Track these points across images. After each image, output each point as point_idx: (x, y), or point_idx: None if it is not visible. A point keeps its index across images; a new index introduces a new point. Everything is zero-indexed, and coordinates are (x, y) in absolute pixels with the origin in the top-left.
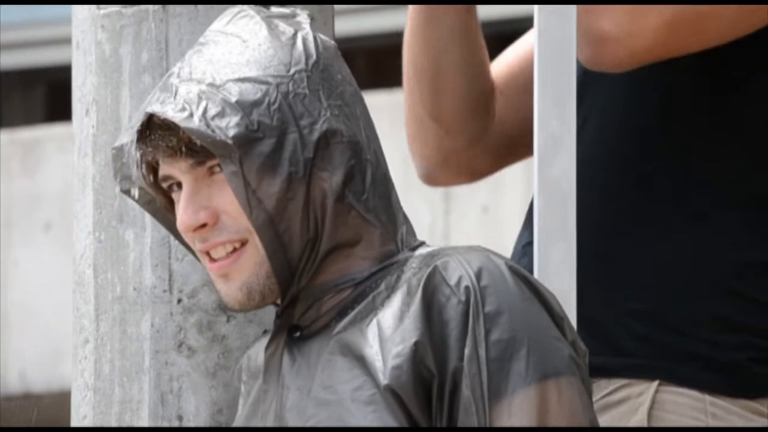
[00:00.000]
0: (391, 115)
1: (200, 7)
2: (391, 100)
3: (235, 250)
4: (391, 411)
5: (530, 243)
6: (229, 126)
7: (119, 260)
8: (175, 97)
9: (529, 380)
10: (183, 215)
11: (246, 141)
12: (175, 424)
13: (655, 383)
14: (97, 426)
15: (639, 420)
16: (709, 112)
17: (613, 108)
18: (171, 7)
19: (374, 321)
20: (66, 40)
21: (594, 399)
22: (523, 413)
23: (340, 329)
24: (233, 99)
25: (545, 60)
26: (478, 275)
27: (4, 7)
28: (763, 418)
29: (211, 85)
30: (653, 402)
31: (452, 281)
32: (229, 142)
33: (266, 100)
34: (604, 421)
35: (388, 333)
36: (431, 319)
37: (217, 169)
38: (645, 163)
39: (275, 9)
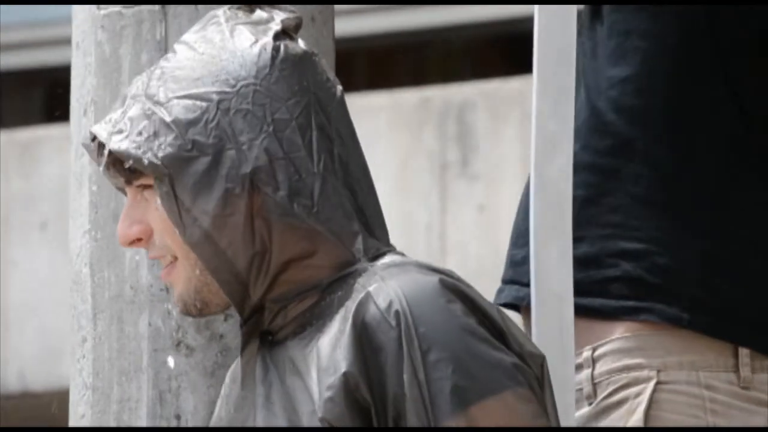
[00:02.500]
0: (389, 117)
1: (200, 7)
2: (390, 101)
3: (174, 259)
4: None
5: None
6: (161, 147)
7: (116, 259)
8: (121, 115)
9: (468, 399)
10: (119, 227)
11: (178, 161)
12: (174, 423)
13: (652, 383)
14: (95, 425)
15: (636, 420)
16: None
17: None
18: (171, 8)
19: (315, 347)
20: (66, 41)
21: (595, 400)
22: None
23: (292, 347)
24: (170, 119)
25: (544, 60)
26: (409, 297)
27: (3, 7)
28: (764, 407)
29: (156, 102)
30: (651, 402)
31: (383, 306)
32: (158, 163)
33: (204, 118)
34: (606, 422)
35: (324, 362)
36: (362, 347)
37: (143, 189)
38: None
39: (260, 11)
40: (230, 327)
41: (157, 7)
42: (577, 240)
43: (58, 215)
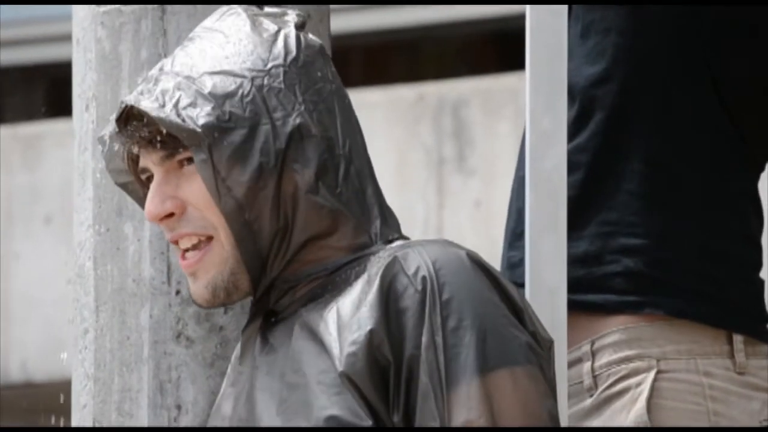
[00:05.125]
0: (385, 112)
1: (198, 5)
2: (386, 97)
3: (200, 242)
4: (354, 392)
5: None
6: (200, 115)
7: (119, 253)
8: (153, 89)
9: (485, 368)
10: (149, 204)
11: (216, 130)
12: (174, 413)
13: (653, 372)
14: (97, 415)
15: (639, 408)
16: None
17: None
18: (169, 6)
19: (335, 308)
20: (66, 38)
21: (596, 392)
22: (478, 400)
23: (304, 313)
24: (206, 90)
25: (537, 59)
26: (436, 265)
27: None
28: (762, 392)
29: (188, 77)
30: (652, 390)
31: (410, 271)
32: (198, 130)
33: (240, 92)
34: (607, 413)
35: (345, 320)
36: (388, 308)
37: (186, 162)
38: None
39: (267, 8)
40: (229, 319)
41: (156, 5)
42: (576, 239)
43: (62, 209)
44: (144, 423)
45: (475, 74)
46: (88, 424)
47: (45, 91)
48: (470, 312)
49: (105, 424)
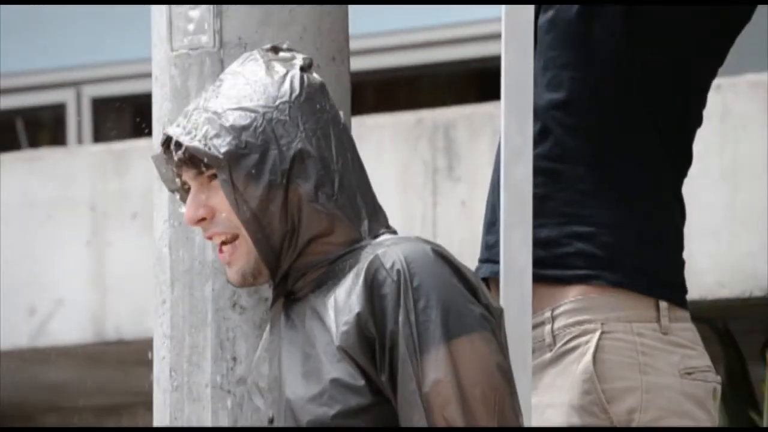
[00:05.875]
0: (391, 133)
1: (246, 53)
2: (392, 120)
3: (228, 240)
4: (350, 362)
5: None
6: (222, 145)
7: (188, 241)
8: (187, 123)
9: (449, 336)
10: (187, 211)
11: (234, 156)
12: (231, 363)
13: (598, 333)
14: (173, 365)
15: (587, 361)
16: None
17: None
18: (226, 50)
19: (333, 296)
20: (148, 75)
21: (555, 348)
22: (445, 362)
23: (312, 298)
24: (228, 124)
25: (509, 91)
26: (408, 259)
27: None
28: (681, 348)
29: (214, 113)
30: (597, 347)
31: (387, 265)
32: (221, 156)
33: (254, 125)
34: (563, 364)
35: (340, 306)
36: (372, 295)
37: (214, 177)
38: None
39: (282, 53)
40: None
41: (214, 50)
42: (540, 227)
43: (145, 208)
44: (208, 372)
45: (461, 103)
46: (167, 372)
47: (132, 117)
48: (435, 294)
49: (179, 372)
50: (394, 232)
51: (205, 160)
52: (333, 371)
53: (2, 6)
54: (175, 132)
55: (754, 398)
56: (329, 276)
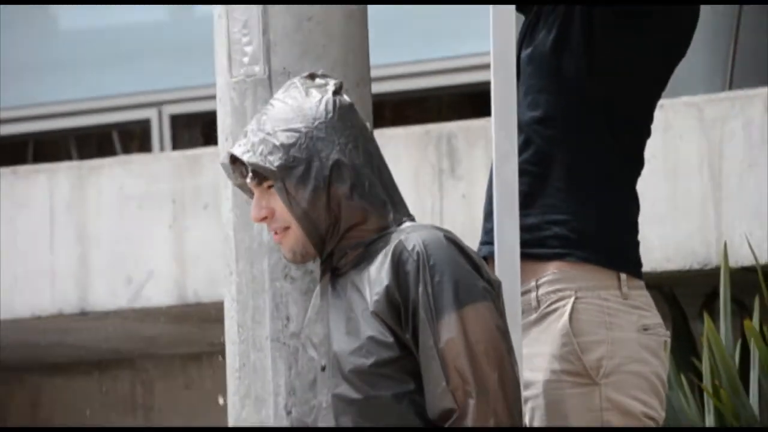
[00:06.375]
0: (405, 142)
1: (289, 81)
2: (405, 132)
3: (285, 229)
4: (381, 324)
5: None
6: (275, 160)
7: (248, 226)
8: (247, 142)
9: (458, 305)
10: (252, 212)
11: (286, 168)
12: (285, 321)
13: (572, 299)
14: (240, 324)
15: (564, 320)
16: None
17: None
18: (273, 78)
19: (367, 272)
20: (213, 97)
21: (539, 310)
22: (455, 325)
23: (353, 274)
24: (278, 143)
25: (498, 109)
26: (425, 243)
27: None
28: (638, 309)
29: (268, 134)
30: (572, 310)
31: (409, 248)
32: (275, 170)
33: (299, 142)
34: (545, 323)
35: (373, 280)
36: (397, 271)
37: (271, 186)
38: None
39: (317, 80)
40: (316, 266)
41: (265, 77)
42: (525, 216)
43: (214, 200)
44: (267, 328)
45: (460, 118)
46: (235, 328)
47: (201, 129)
48: (447, 271)
49: (245, 328)
50: (413, 220)
51: (264, 173)
52: (369, 330)
53: (100, 42)
54: (237, 151)
55: (695, 348)
56: (365, 256)
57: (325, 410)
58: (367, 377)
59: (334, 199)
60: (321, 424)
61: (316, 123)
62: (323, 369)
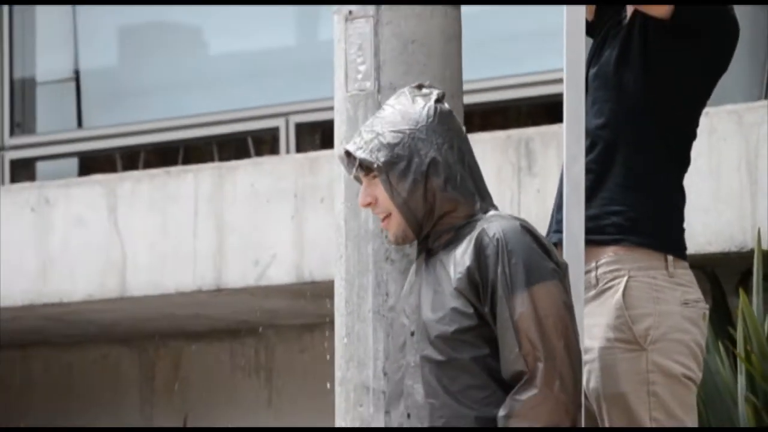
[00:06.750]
0: (491, 145)
1: (398, 91)
2: (491, 137)
3: (386, 216)
4: (463, 298)
5: (560, 209)
6: (381, 156)
7: (356, 217)
8: (360, 139)
9: (529, 283)
10: (360, 199)
11: (390, 164)
12: (385, 297)
13: (626, 278)
14: (348, 299)
15: (618, 296)
16: None
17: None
18: (382, 92)
19: (453, 255)
20: (331, 108)
21: (598, 287)
22: (527, 301)
23: (443, 255)
24: (386, 141)
25: (570, 117)
26: (503, 230)
27: (301, 92)
28: (682, 286)
29: (378, 134)
30: (625, 287)
31: (490, 234)
32: (381, 164)
33: (402, 141)
34: (603, 298)
35: (458, 260)
36: (479, 255)
37: (376, 177)
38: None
39: (423, 90)
40: (412, 250)
41: (374, 90)
42: (588, 207)
43: (329, 195)
44: (370, 302)
45: (537, 125)
46: (343, 302)
47: (321, 135)
48: (521, 254)
49: (351, 303)
50: (497, 209)
51: (372, 166)
52: (452, 302)
53: (238, 63)
54: (351, 147)
55: (731, 319)
56: (454, 240)
57: (412, 369)
58: (450, 342)
59: (430, 191)
60: (407, 382)
61: (419, 126)
62: (412, 334)
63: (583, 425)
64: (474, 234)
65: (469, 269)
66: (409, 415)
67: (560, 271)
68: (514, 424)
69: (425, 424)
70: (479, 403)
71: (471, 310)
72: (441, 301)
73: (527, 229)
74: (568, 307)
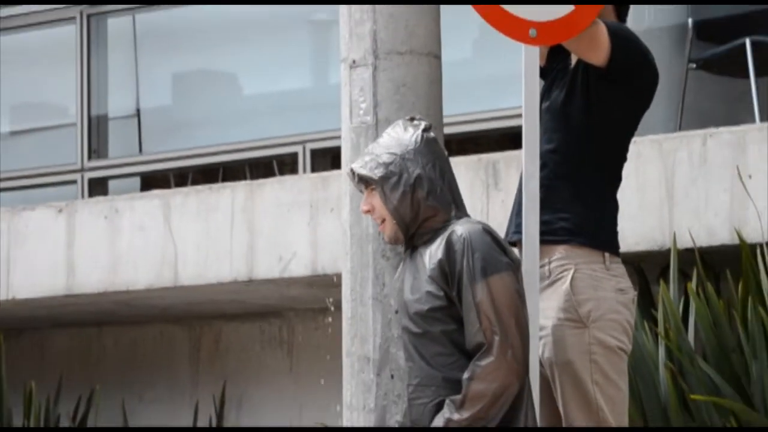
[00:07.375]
0: (465, 166)
1: (393, 123)
2: (465, 161)
3: (382, 220)
4: (435, 284)
5: (519, 214)
6: (378, 172)
7: (359, 222)
8: (362, 160)
9: (486, 274)
10: (361, 206)
11: (384, 178)
12: (381, 287)
13: (572, 271)
14: (354, 289)
15: (566, 286)
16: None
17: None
18: (379, 124)
19: (429, 249)
20: (338, 137)
21: (550, 279)
22: (485, 289)
23: (422, 250)
24: (382, 161)
25: (527, 144)
26: (468, 232)
27: (314, 123)
28: (616, 277)
29: (376, 155)
30: (572, 279)
31: (458, 234)
32: (377, 179)
33: (395, 161)
34: (554, 287)
35: (432, 253)
36: (449, 250)
37: (374, 189)
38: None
39: (415, 121)
40: (401, 248)
41: (373, 123)
42: (542, 214)
43: (338, 206)
44: (370, 290)
45: (502, 150)
46: (349, 291)
47: (331, 159)
48: (481, 250)
49: (355, 291)
50: (468, 216)
51: (370, 180)
52: (427, 287)
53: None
54: (355, 166)
55: (653, 304)
56: (432, 238)
57: (396, 339)
58: (425, 318)
59: (415, 201)
60: (392, 350)
61: (408, 149)
62: (396, 312)
63: (537, 389)
64: (446, 234)
65: (440, 261)
66: (392, 376)
67: (513, 265)
68: (474, 385)
69: (404, 383)
70: (447, 367)
71: (442, 293)
72: (418, 285)
73: (488, 231)
74: (520, 294)
